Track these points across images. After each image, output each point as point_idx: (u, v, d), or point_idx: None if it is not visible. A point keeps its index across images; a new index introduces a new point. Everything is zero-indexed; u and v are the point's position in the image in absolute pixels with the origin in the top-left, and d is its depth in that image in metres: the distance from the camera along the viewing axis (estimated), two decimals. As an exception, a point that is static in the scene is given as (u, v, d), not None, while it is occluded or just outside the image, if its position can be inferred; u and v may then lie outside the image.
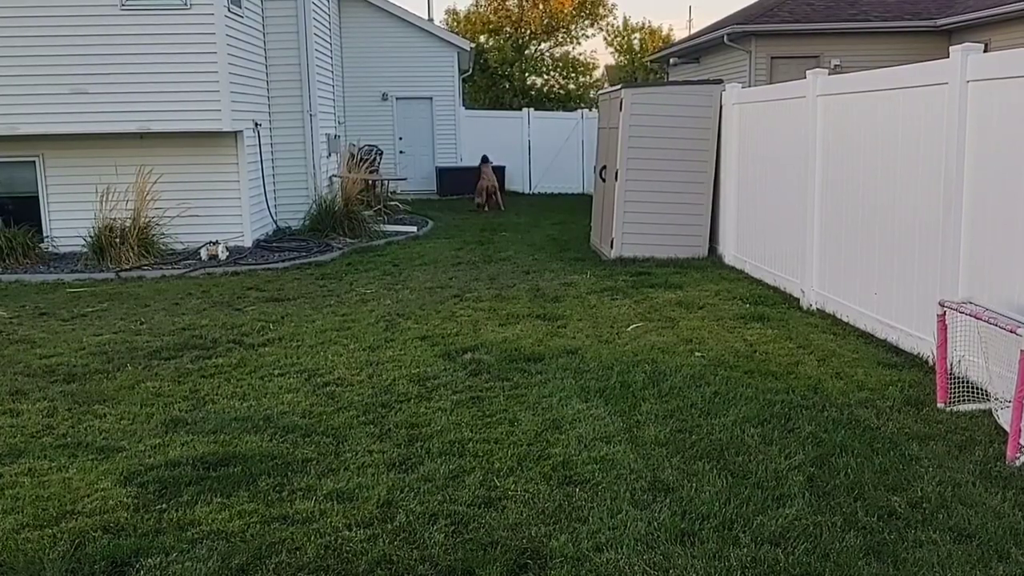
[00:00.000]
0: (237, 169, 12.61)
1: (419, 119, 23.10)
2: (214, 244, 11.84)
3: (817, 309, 8.29)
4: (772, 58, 19.71)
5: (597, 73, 45.66)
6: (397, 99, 22.83)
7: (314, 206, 13.88)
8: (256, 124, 13.19)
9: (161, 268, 11.28)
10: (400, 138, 23.04)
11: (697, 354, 6.83)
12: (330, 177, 15.35)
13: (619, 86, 11.46)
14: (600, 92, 13.05)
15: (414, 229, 14.80)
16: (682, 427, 5.21)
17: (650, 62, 29.71)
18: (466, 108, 26.15)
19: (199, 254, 11.79)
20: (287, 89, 14.22)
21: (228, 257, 11.80)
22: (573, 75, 42.73)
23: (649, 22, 65.86)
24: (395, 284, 10.13)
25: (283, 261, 11.76)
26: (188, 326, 8.10)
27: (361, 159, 18.37)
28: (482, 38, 40.06)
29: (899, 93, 6.86)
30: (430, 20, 24.68)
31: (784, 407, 5.49)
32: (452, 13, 42.87)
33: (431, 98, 22.99)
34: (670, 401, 5.68)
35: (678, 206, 11.43)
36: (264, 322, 8.23)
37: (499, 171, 20.87)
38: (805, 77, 8.48)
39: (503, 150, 23.03)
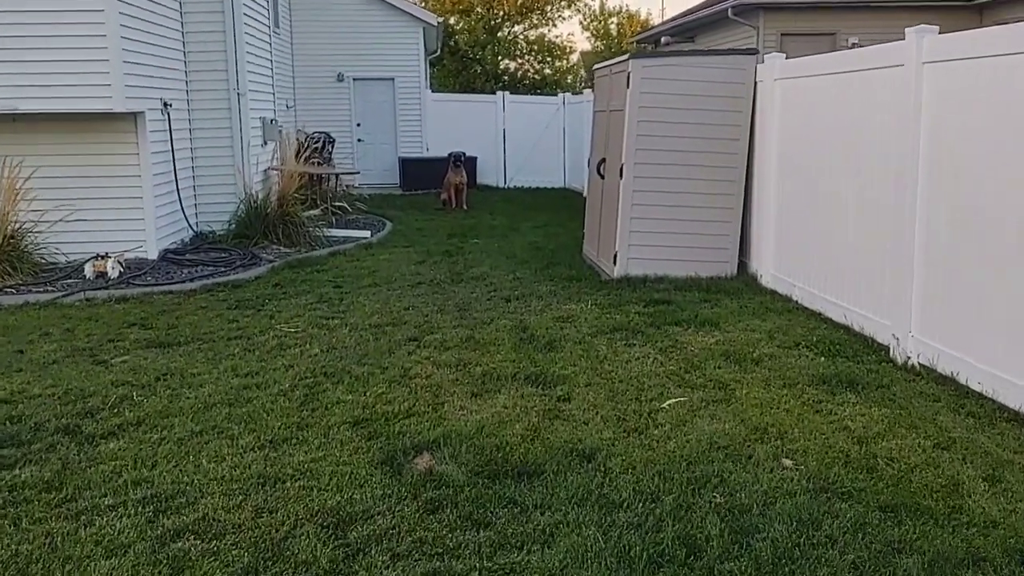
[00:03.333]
0: (138, 161, 9.93)
1: (380, 103, 20.43)
2: (102, 258, 9.15)
3: (921, 366, 5.83)
4: (782, 35, 17.29)
5: (575, 57, 43.15)
6: (355, 80, 20.15)
7: (242, 207, 11.23)
8: (165, 105, 10.51)
9: (29, 290, 8.60)
10: (358, 124, 20.38)
11: (786, 461, 4.34)
12: (265, 170, 12.68)
13: (624, 56, 8.94)
14: (597, 66, 10.51)
15: (367, 234, 12.18)
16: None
17: (637, 43, 27.11)
18: (433, 92, 23.49)
19: (83, 271, 9.12)
20: (210, 63, 11.54)
21: (121, 275, 9.13)
22: (549, 59, 40.16)
23: (627, 6, 63.33)
24: (331, 317, 7.55)
25: (192, 280, 9.12)
26: (10, 396, 5.47)
27: (308, 148, 15.75)
28: (452, 19, 37.35)
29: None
30: (393, -7, 21.94)
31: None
32: (419, -9, 40.09)
33: (393, 79, 20.33)
34: (780, 589, 3.18)
35: (700, 210, 8.93)
36: (129, 387, 5.62)
37: (470, 163, 18.28)
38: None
39: (475, 139, 20.42)
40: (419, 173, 19.40)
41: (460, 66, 37.38)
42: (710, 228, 8.97)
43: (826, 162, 7.39)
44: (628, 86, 8.77)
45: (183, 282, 9.04)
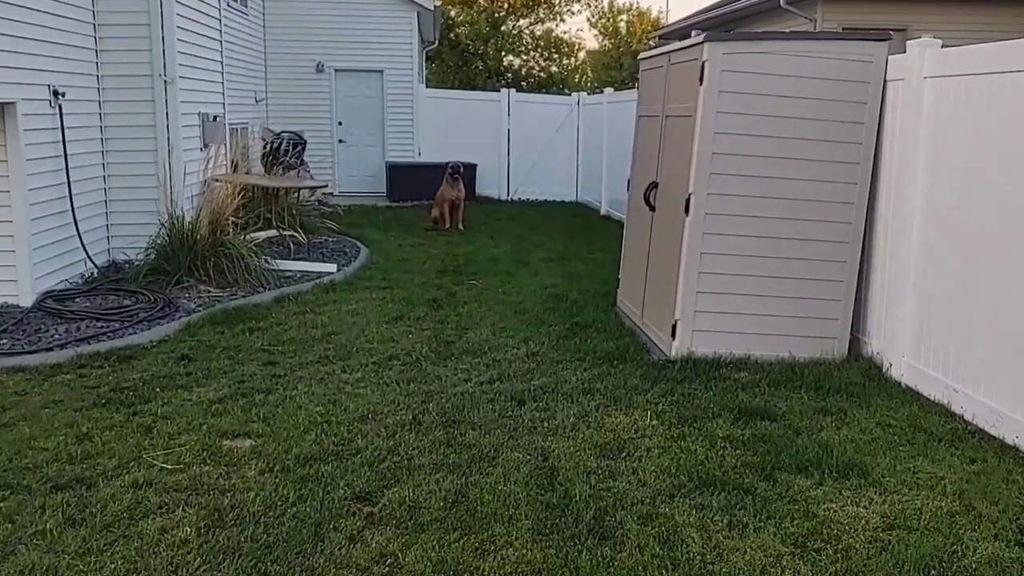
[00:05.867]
0: (6, 171, 7.15)
1: (365, 98, 17.63)
2: (-66, 312, 6.38)
3: None
4: (843, 30, 14.47)
5: (583, 55, 40.40)
6: (336, 71, 17.36)
7: (163, 232, 8.43)
8: (56, 94, 7.72)
9: None
10: (340, 123, 17.59)
11: None
12: (207, 181, 9.88)
13: (699, 37, 6.18)
14: (645, 55, 7.75)
15: (332, 268, 9.39)
16: None
17: (659, 37, 24.30)
18: (428, 88, 20.70)
19: (-91, 328, 6.34)
20: (127, 40, 8.75)
21: (-36, 335, 6.35)
22: (556, 56, 37.41)
23: (637, 3, 60.45)
24: (241, 433, 4.77)
25: (64, 345, 6.33)
26: None
27: (270, 152, 12.98)
28: (453, 11, 34.58)
29: None
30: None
31: None
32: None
33: (382, 71, 17.53)
34: None
35: (798, 264, 6.19)
36: None
37: (469, 171, 15.50)
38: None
39: (474, 142, 17.65)
40: (409, 182, 16.60)
41: (460, 61, 34.63)
42: (812, 289, 6.21)
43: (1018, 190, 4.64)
44: (702, 81, 6.00)
45: (49, 348, 6.25)
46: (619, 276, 8.00)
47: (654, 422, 4.98)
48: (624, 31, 43.00)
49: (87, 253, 8.20)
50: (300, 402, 5.26)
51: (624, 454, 4.52)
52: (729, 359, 6.16)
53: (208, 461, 4.39)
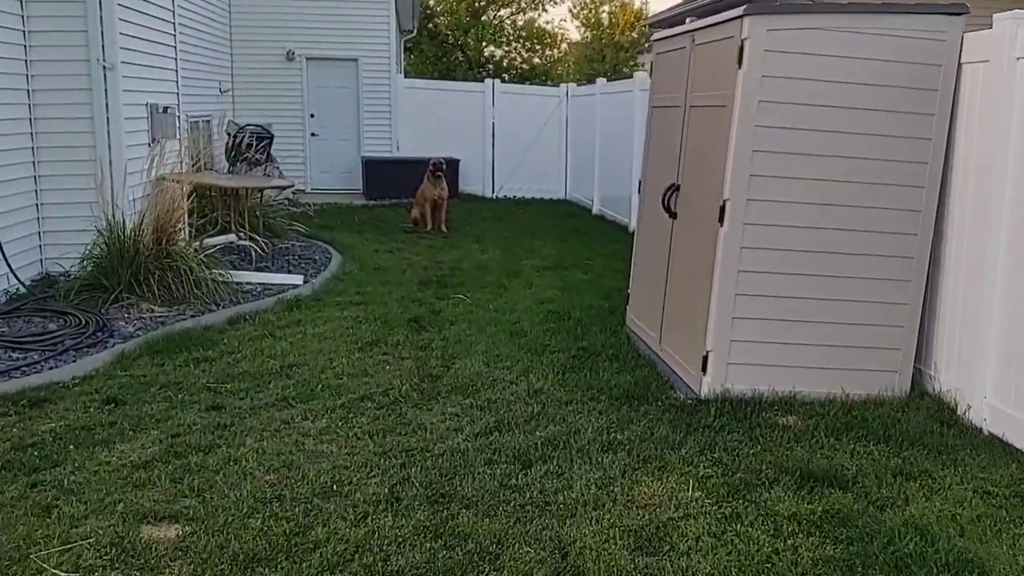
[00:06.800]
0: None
1: (340, 89, 16.46)
2: None
3: None
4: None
5: (566, 47, 39.26)
6: (308, 60, 16.18)
7: (102, 241, 7.28)
8: (-32, 78, 6.56)
9: None
10: (312, 115, 16.42)
11: None
12: (159, 179, 8.71)
13: (737, 10, 5.11)
14: (660, 35, 6.66)
15: (299, 280, 8.26)
16: None
17: (649, 26, 23.20)
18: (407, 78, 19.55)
19: None
20: (60, 19, 7.59)
21: None
22: (539, 48, 36.28)
23: (619, -6, 59.26)
24: (171, 508, 3.67)
25: (-36, 385, 5.20)
26: None
27: (233, 148, 11.83)
28: (431, 0, 33.37)
29: None
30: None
31: None
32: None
33: (357, 60, 16.36)
34: None
35: (852, 284, 5.16)
36: None
37: (451, 167, 14.39)
38: None
39: (456, 136, 16.55)
40: (387, 178, 15.46)
41: (440, 52, 33.46)
42: (870, 313, 5.19)
43: None
44: (740, 63, 4.94)
45: (-57, 390, 5.12)
46: (628, 291, 6.95)
47: (697, 493, 3.92)
48: (606, 22, 41.92)
49: (9, 266, 7.03)
50: (247, 466, 4.16)
51: (666, 547, 3.46)
52: (771, 398, 5.13)
53: (117, 563, 3.29)
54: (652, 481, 4.05)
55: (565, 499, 3.86)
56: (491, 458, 4.28)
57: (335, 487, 3.95)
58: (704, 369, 5.19)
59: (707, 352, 5.17)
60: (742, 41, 4.93)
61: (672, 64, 6.17)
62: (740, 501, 3.86)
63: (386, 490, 3.91)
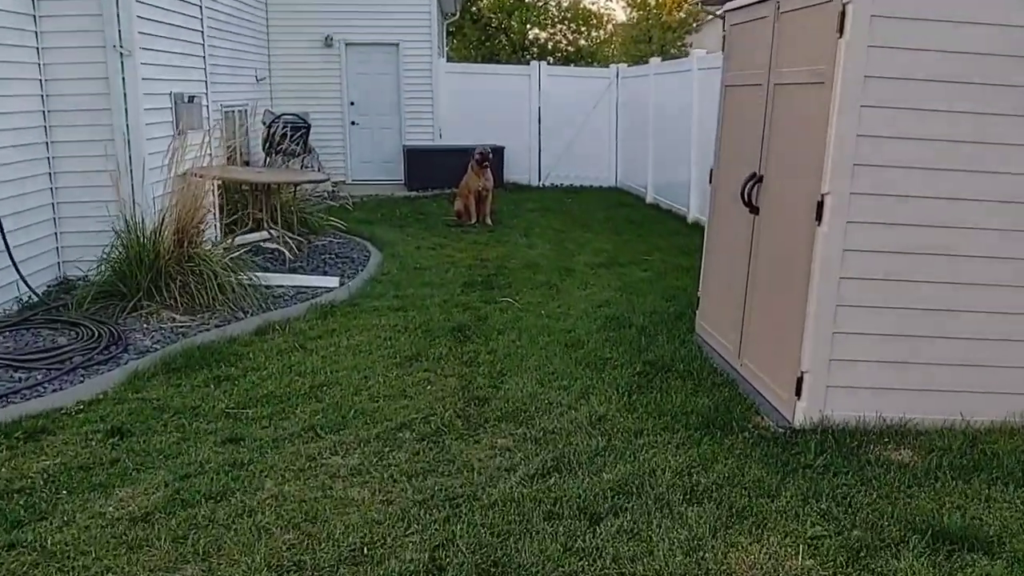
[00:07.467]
0: None
1: (380, 75, 15.79)
2: None
3: None
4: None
5: (612, 27, 38.22)
6: (347, 45, 15.52)
7: (119, 243, 6.69)
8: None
9: None
10: (352, 103, 15.78)
11: None
12: (184, 174, 8.12)
13: (840, -33, 4.35)
14: (734, 5, 5.83)
15: (334, 282, 7.62)
16: None
17: (701, 3, 22.11)
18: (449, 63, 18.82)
19: None
20: (73, 5, 7.00)
21: None
22: (584, 29, 35.29)
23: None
24: (166, 591, 3.05)
25: (-43, 413, 4.63)
26: None
27: (269, 139, 11.26)
28: (474, -17, 32.57)
29: None
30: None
31: None
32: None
33: (397, 44, 15.67)
34: None
35: (976, 292, 4.35)
36: None
37: (496, 156, 13.67)
38: None
39: (501, 123, 15.80)
40: (429, 168, 14.80)
41: (483, 36, 32.67)
42: (998, 327, 4.38)
43: None
44: (841, 32, 4.14)
45: (-67, 420, 4.55)
46: (698, 293, 6.18)
47: (809, 561, 3.18)
48: (653, 2, 40.77)
49: (20, 274, 6.48)
50: (263, 520, 3.51)
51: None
52: (879, 427, 4.36)
53: (94, 662, 2.66)
54: (750, 543, 3.31)
55: (645, 570, 3.14)
56: (551, 510, 3.58)
57: (365, 550, 3.28)
58: (799, 393, 4.42)
59: (802, 373, 4.40)
60: (844, 6, 4.13)
61: (751, 36, 5.37)
62: (864, 573, 3.11)
63: (426, 556, 3.23)
